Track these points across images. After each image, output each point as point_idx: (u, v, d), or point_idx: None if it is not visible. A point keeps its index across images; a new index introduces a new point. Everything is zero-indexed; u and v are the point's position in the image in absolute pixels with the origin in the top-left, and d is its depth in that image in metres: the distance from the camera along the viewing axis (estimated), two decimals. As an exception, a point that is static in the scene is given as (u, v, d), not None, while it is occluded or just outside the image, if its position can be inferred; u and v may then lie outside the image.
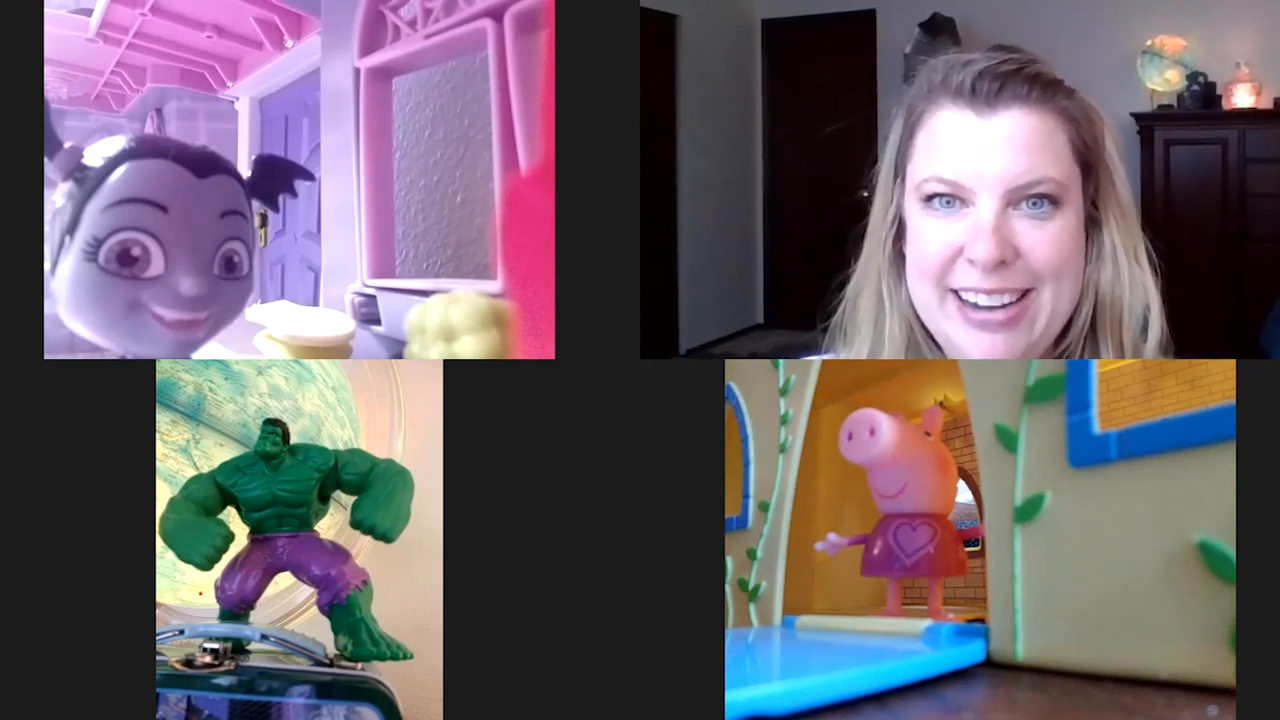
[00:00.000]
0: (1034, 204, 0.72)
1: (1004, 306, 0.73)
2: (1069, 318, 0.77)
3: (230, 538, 1.07)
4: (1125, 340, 0.76)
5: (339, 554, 1.12)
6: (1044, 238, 0.72)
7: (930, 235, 0.74)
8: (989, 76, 0.73)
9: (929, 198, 0.75)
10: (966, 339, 0.75)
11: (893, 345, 0.80)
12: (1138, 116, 3.05)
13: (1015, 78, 0.73)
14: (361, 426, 1.37)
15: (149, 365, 1.12)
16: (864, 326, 0.82)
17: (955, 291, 0.74)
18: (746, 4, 3.86)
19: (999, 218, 0.71)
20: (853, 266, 0.83)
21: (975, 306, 0.74)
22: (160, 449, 1.30)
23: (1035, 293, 0.73)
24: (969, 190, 0.73)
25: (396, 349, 1.79)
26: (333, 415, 1.37)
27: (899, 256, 0.79)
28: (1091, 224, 0.76)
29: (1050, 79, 0.74)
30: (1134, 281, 0.76)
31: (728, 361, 1.43)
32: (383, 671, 1.05)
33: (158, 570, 1.09)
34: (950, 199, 0.74)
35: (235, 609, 1.10)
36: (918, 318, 0.79)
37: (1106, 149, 0.76)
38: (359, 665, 1.04)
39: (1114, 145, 0.77)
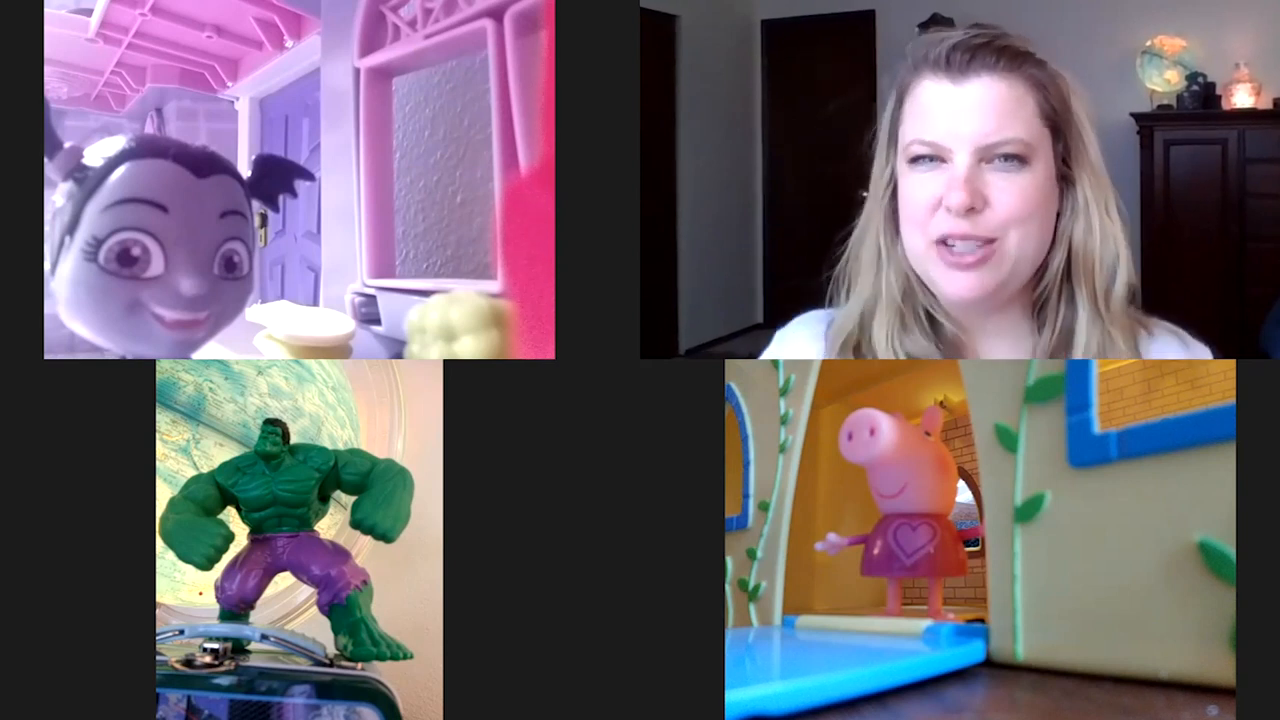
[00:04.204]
0: (1004, 160, 0.81)
1: (976, 249, 0.81)
2: (1041, 264, 0.85)
3: (230, 538, 1.07)
4: (1098, 286, 0.84)
5: (339, 554, 1.12)
6: (1012, 189, 0.80)
7: (916, 189, 0.83)
8: (961, 49, 0.82)
9: (915, 158, 0.83)
10: (945, 277, 0.83)
11: (889, 294, 0.87)
12: (1137, 116, 3.05)
13: (985, 49, 0.82)
14: (361, 426, 1.37)
15: (149, 365, 1.12)
16: (865, 274, 0.89)
17: (937, 239, 0.83)
18: (746, 4, 3.86)
19: (971, 170, 0.80)
20: (854, 223, 0.91)
21: (952, 249, 0.82)
22: (160, 449, 1.30)
23: (1001, 239, 0.81)
24: (946, 149, 0.81)
25: (396, 349, 1.79)
26: (333, 415, 1.37)
27: (894, 214, 0.87)
28: (1065, 182, 0.84)
29: (1018, 50, 0.82)
30: (1105, 234, 0.84)
31: (728, 361, 1.43)
32: (383, 671, 1.05)
33: (158, 570, 1.09)
34: (932, 158, 0.82)
35: (235, 609, 1.10)
36: (909, 263, 0.86)
37: (1075, 113, 0.84)
38: (359, 665, 1.04)
39: (1083, 110, 0.84)
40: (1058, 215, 0.84)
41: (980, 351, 0.91)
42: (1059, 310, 0.85)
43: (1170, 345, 0.88)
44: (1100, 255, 0.84)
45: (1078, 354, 0.86)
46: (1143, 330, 0.88)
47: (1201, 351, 0.89)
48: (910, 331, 0.88)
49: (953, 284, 0.83)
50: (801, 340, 0.97)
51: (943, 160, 0.82)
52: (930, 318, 0.88)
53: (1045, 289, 0.85)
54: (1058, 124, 0.83)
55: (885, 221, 0.88)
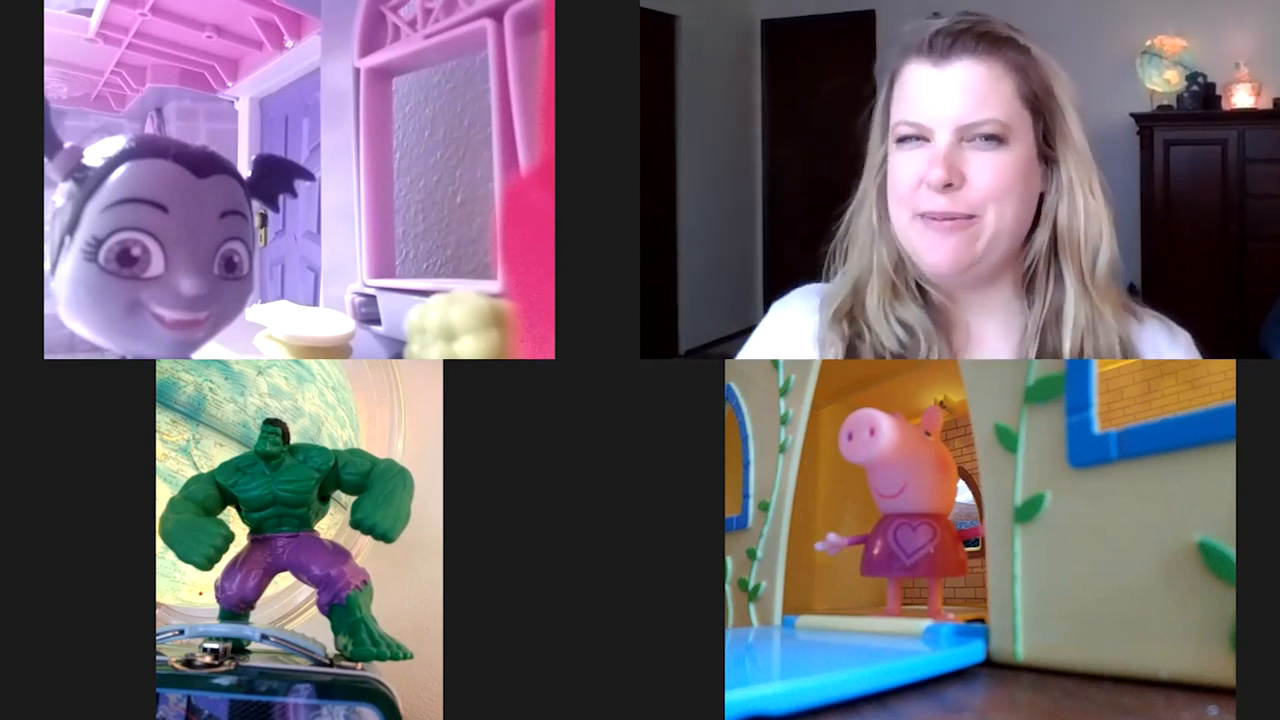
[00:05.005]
0: (983, 139, 0.84)
1: (954, 220, 0.85)
2: (1027, 241, 0.88)
3: (230, 538, 1.07)
4: (1083, 262, 0.87)
5: (339, 554, 1.12)
6: (989, 167, 0.84)
7: (901, 166, 0.88)
8: (944, 34, 0.86)
9: (901, 138, 0.88)
10: (925, 245, 0.87)
11: (881, 265, 0.91)
12: (1137, 117, 3.05)
13: (966, 35, 0.85)
14: (361, 426, 1.37)
15: (149, 365, 1.12)
16: (859, 247, 0.93)
17: (919, 214, 0.87)
18: (746, 4, 3.86)
19: (950, 148, 0.84)
20: (851, 199, 0.95)
21: (932, 219, 0.86)
22: (160, 449, 1.30)
23: (980, 215, 0.85)
24: (928, 129, 0.85)
25: (396, 349, 1.79)
26: (333, 415, 1.37)
27: (886, 192, 0.91)
28: (1048, 162, 0.87)
29: (998, 35, 0.86)
30: (1089, 212, 0.87)
31: (728, 361, 1.43)
32: (383, 671, 1.05)
33: (158, 570, 1.09)
34: (916, 138, 0.86)
35: (235, 609, 1.10)
36: (899, 241, 0.90)
37: (1057, 96, 0.87)
38: (359, 665, 1.04)
39: (1066, 93, 0.87)
40: (1042, 195, 0.88)
41: (969, 323, 0.93)
42: (1048, 287, 0.88)
43: (1158, 332, 0.91)
44: (1085, 232, 0.87)
45: (1068, 329, 0.87)
46: (1132, 318, 0.90)
47: (1185, 339, 0.92)
48: (902, 299, 0.91)
49: (932, 254, 0.86)
50: (796, 312, 0.98)
51: (926, 140, 0.86)
52: (920, 288, 0.91)
53: (1032, 265, 0.89)
54: (1038, 106, 0.86)
55: (878, 198, 0.91)
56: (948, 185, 0.84)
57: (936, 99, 0.85)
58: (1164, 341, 0.91)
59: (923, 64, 0.86)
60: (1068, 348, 0.87)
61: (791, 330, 0.98)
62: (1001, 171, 0.84)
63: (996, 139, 0.84)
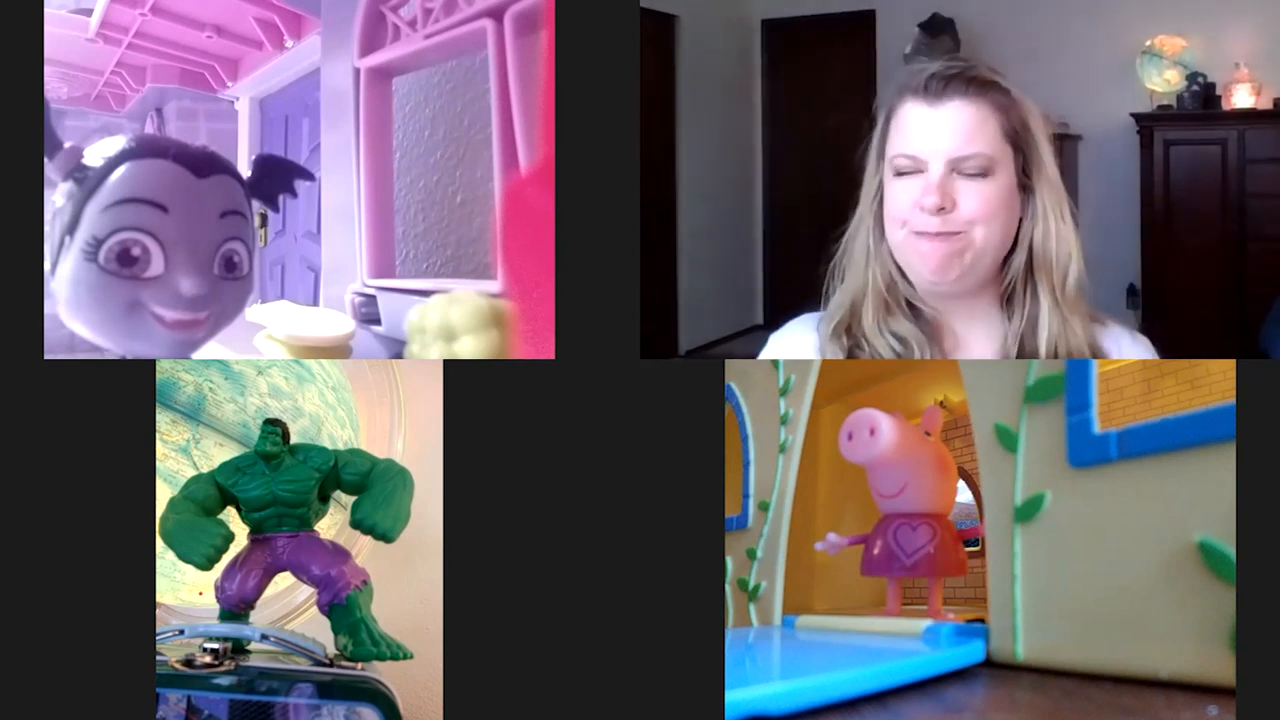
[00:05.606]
0: (972, 170, 0.93)
1: (944, 240, 0.94)
2: (1006, 261, 0.97)
3: (230, 538, 1.07)
4: (1055, 279, 0.96)
5: (339, 554, 1.12)
6: (976, 195, 0.93)
7: (899, 193, 0.96)
8: (937, 78, 0.95)
9: (899, 170, 0.96)
10: (918, 256, 0.95)
11: (875, 285, 0.99)
12: (1138, 117, 3.05)
13: (957, 79, 0.95)
14: (361, 426, 1.37)
15: (149, 365, 1.12)
16: (856, 267, 1.01)
17: (914, 233, 0.95)
18: (746, 4, 3.85)
19: (943, 178, 0.93)
20: (849, 222, 1.03)
21: (924, 238, 0.94)
22: (160, 449, 1.30)
23: (967, 233, 0.93)
24: (923, 160, 0.94)
25: (396, 349, 1.79)
26: (333, 415, 1.37)
27: (881, 218, 0.99)
28: (1025, 191, 0.97)
29: (985, 79, 0.96)
30: (1060, 235, 0.96)
31: (728, 361, 1.43)
32: (383, 671, 1.05)
33: (158, 570, 1.09)
34: (912, 170, 0.95)
35: (235, 609, 1.10)
36: (893, 260, 0.98)
37: (1034, 132, 0.96)
38: (359, 665, 1.04)
39: (1041, 130, 0.97)
40: (1020, 220, 0.97)
41: (957, 334, 0.99)
42: (1025, 302, 0.97)
43: (1121, 335, 0.99)
44: (1056, 254, 0.96)
45: (1042, 338, 0.95)
46: (1099, 325, 0.98)
47: (1144, 341, 0.99)
48: (894, 315, 0.98)
49: (925, 264, 0.94)
50: (795, 339, 1.04)
51: (921, 170, 0.94)
52: (910, 305, 0.98)
53: (1011, 283, 0.98)
54: (1018, 142, 0.96)
55: (874, 224, 0.99)
56: (941, 209, 0.92)
57: (932, 134, 0.94)
58: (1126, 342, 0.98)
59: (919, 103, 0.95)
60: (1043, 353, 0.95)
61: (793, 356, 1.04)
62: (987, 200, 0.93)
63: (983, 171, 0.93)
